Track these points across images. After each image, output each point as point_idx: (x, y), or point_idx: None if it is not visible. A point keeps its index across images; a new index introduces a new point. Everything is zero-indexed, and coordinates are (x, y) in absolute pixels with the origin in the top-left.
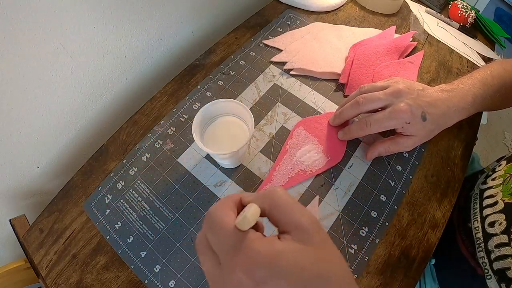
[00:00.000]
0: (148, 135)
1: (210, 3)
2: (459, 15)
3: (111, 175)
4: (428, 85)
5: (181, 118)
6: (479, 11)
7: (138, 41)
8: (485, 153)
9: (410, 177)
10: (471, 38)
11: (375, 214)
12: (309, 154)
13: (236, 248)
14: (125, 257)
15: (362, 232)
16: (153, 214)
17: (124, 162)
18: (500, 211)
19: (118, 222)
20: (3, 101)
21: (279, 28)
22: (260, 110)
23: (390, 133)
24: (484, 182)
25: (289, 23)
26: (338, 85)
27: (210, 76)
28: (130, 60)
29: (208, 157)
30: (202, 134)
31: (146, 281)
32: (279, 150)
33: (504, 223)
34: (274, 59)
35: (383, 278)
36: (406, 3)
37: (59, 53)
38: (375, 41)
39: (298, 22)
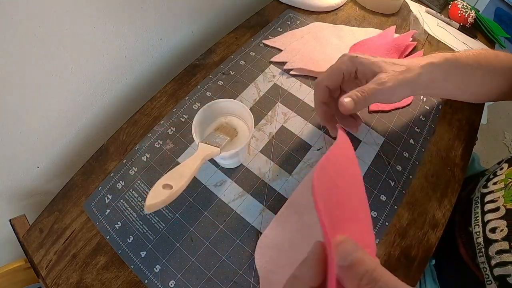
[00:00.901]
0: (148, 135)
1: (210, 3)
2: (459, 15)
3: (111, 175)
4: None
5: (181, 118)
6: (479, 11)
7: (138, 41)
8: (485, 153)
9: (410, 177)
10: (471, 38)
11: (375, 214)
12: None
13: None
14: (125, 257)
15: None
16: (153, 214)
17: (124, 162)
18: (501, 217)
19: (118, 222)
20: (3, 101)
21: (279, 28)
22: (260, 110)
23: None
24: (485, 186)
25: (289, 23)
26: None
27: (210, 76)
28: (130, 60)
29: None
30: (202, 134)
31: (146, 281)
32: (279, 150)
33: (506, 230)
34: (274, 59)
35: None
36: (406, 3)
37: (59, 53)
38: (375, 41)
39: (298, 22)
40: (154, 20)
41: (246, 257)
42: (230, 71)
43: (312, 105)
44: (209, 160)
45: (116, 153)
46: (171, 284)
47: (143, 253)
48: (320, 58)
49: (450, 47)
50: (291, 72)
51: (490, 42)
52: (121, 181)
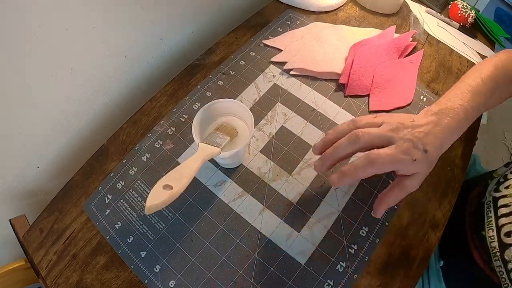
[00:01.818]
0: (148, 135)
1: (210, 3)
2: (459, 15)
3: (111, 175)
4: (428, 85)
5: (181, 118)
6: (479, 11)
7: (138, 41)
8: (485, 153)
9: None
10: (471, 38)
11: None
12: None
13: None
14: (125, 257)
15: (362, 232)
16: (153, 214)
17: (124, 162)
18: None
19: (118, 222)
20: (3, 101)
21: (279, 28)
22: (260, 110)
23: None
24: (497, 190)
25: (289, 23)
26: (338, 85)
27: (210, 76)
28: (130, 60)
29: None
30: (202, 134)
31: (146, 281)
32: (279, 150)
33: None
34: (274, 59)
35: (383, 278)
36: (406, 3)
37: (59, 53)
38: (375, 41)
39: (298, 22)
40: (154, 20)
41: (246, 257)
42: (230, 71)
43: (312, 105)
44: (209, 160)
45: (116, 153)
46: (171, 284)
47: (143, 253)
48: (320, 58)
49: (450, 47)
50: (291, 72)
51: (490, 42)
52: (121, 181)
